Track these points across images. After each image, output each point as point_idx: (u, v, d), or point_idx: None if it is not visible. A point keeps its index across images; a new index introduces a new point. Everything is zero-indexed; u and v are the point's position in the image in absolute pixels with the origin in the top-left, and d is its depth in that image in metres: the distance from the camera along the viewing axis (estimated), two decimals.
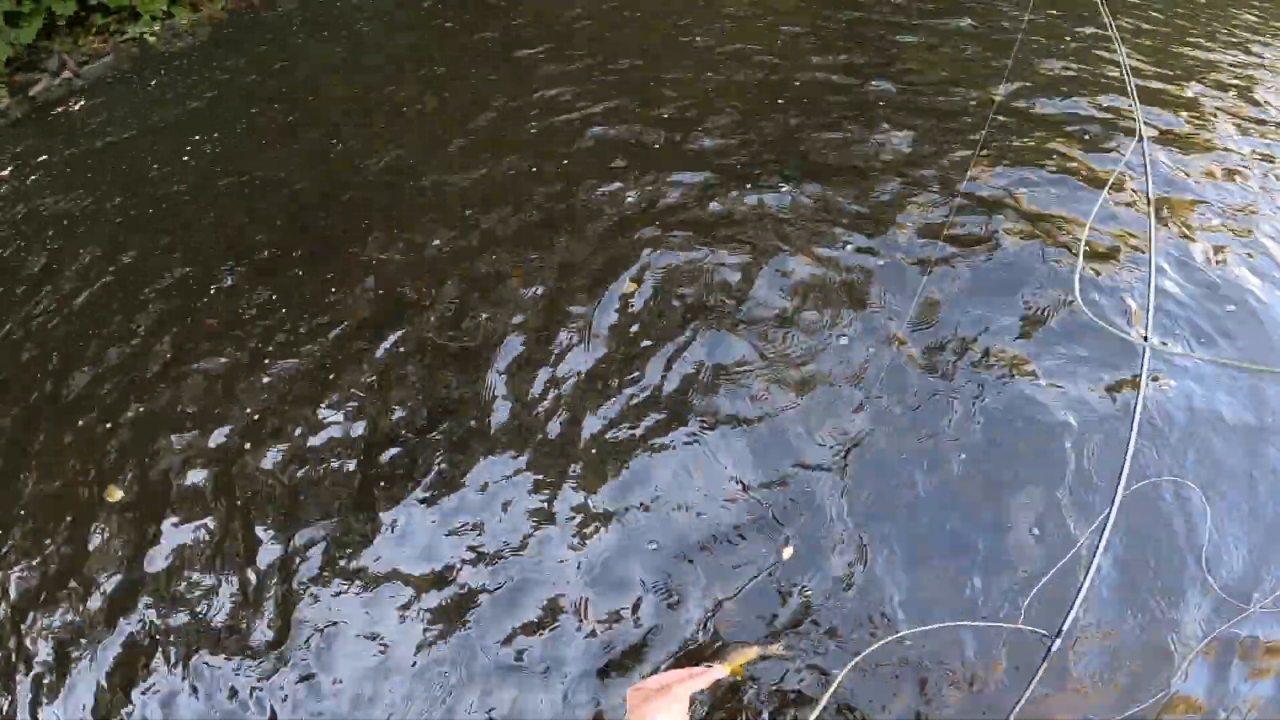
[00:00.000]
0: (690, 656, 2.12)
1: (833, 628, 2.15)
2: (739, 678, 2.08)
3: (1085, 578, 1.68)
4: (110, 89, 7.49)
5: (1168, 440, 2.43)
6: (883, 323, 2.89)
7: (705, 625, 2.19)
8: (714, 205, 3.68)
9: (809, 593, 2.21)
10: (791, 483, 2.41)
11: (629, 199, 3.82)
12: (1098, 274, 3.04)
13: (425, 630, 2.28)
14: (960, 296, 2.96)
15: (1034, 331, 2.81)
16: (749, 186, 3.76)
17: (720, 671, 1.85)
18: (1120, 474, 1.81)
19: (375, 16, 7.43)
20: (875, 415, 2.56)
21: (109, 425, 3.09)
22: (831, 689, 1.66)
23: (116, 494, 2.86)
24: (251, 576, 2.50)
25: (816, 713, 1.56)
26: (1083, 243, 3.06)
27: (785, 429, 2.56)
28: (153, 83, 7.26)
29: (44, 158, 6.33)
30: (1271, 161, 4.00)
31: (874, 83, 4.79)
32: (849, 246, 3.29)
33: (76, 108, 7.43)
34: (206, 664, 2.31)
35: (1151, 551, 2.19)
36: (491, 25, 6.63)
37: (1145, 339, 2.35)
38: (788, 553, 2.26)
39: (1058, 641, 1.58)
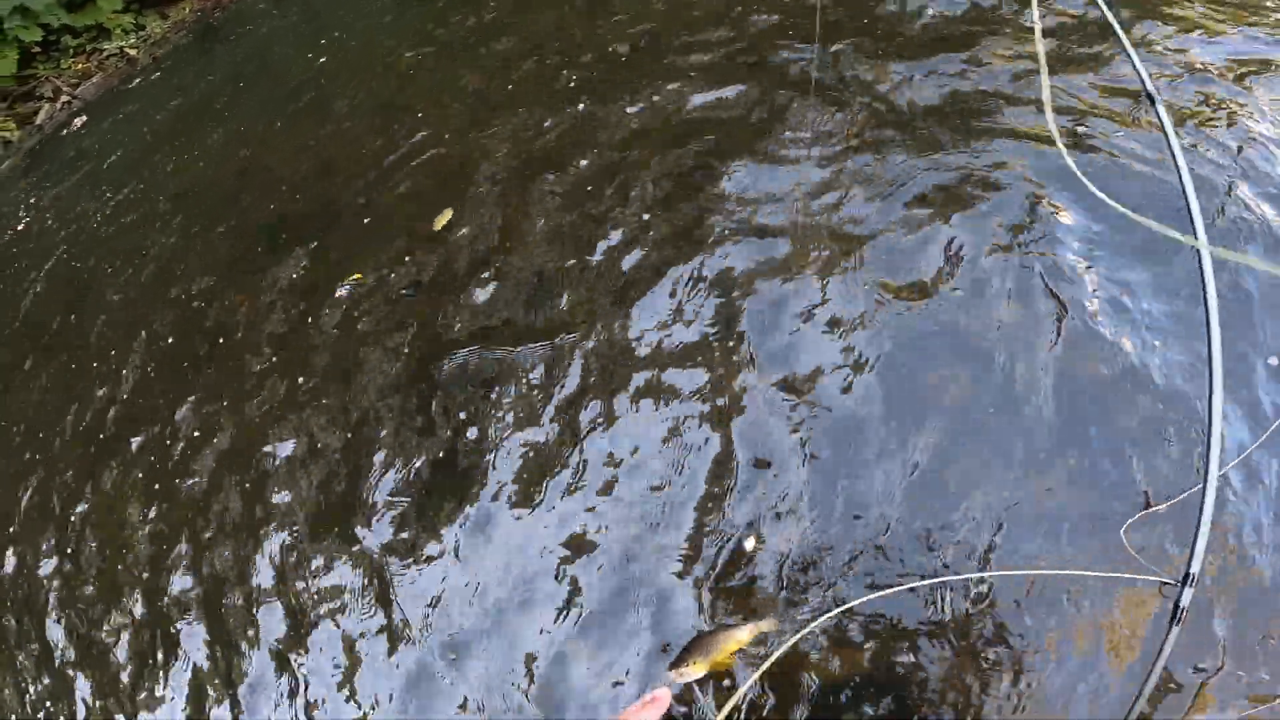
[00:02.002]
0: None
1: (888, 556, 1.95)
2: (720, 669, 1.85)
3: (1202, 514, 1.54)
4: (108, 103, 7.45)
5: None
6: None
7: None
8: None
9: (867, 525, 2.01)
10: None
11: None
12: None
13: None
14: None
15: None
16: None
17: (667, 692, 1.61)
18: (1209, 397, 1.63)
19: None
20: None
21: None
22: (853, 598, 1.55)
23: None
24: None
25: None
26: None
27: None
28: (145, 90, 7.20)
29: (67, 178, 6.49)
30: None
31: None
32: None
33: (80, 126, 7.42)
34: None
35: None
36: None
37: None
38: (750, 544, 2.06)
39: (1188, 592, 1.47)
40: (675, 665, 1.81)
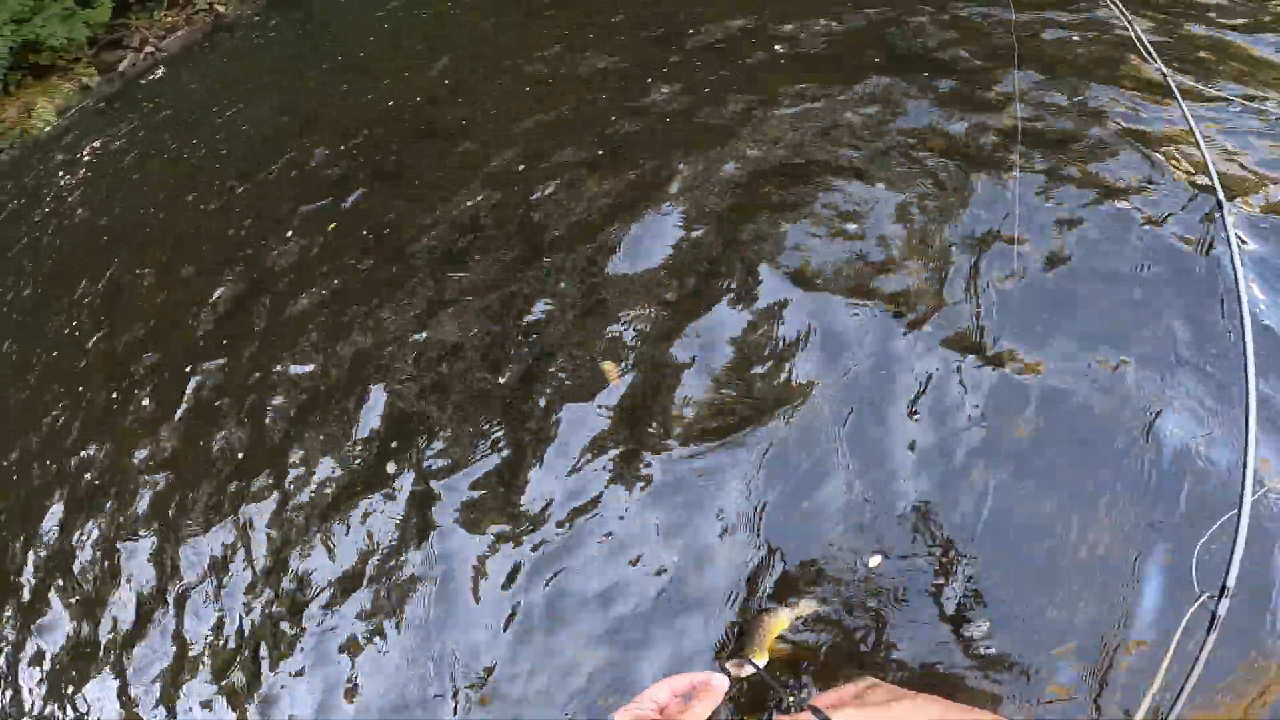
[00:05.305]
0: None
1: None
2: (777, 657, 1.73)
3: (1240, 519, 1.52)
4: (189, 58, 7.73)
5: None
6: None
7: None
8: None
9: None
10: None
11: None
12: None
13: None
14: None
15: None
16: None
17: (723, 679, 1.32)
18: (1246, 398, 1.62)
19: None
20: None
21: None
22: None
23: None
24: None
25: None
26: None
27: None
28: (225, 44, 7.46)
29: (136, 123, 6.74)
30: None
31: None
32: None
33: (159, 76, 7.70)
34: None
35: None
36: None
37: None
38: (875, 561, 1.90)
39: (1224, 602, 1.43)
40: (734, 655, 1.70)
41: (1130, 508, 1.75)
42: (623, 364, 2.53)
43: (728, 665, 1.64)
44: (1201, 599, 1.48)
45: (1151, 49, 2.74)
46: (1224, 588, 1.44)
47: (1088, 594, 1.65)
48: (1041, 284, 2.27)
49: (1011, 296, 2.25)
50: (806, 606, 1.83)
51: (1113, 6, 2.98)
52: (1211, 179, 2.19)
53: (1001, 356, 2.11)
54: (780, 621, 1.78)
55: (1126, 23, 2.90)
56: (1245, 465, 1.61)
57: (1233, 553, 1.49)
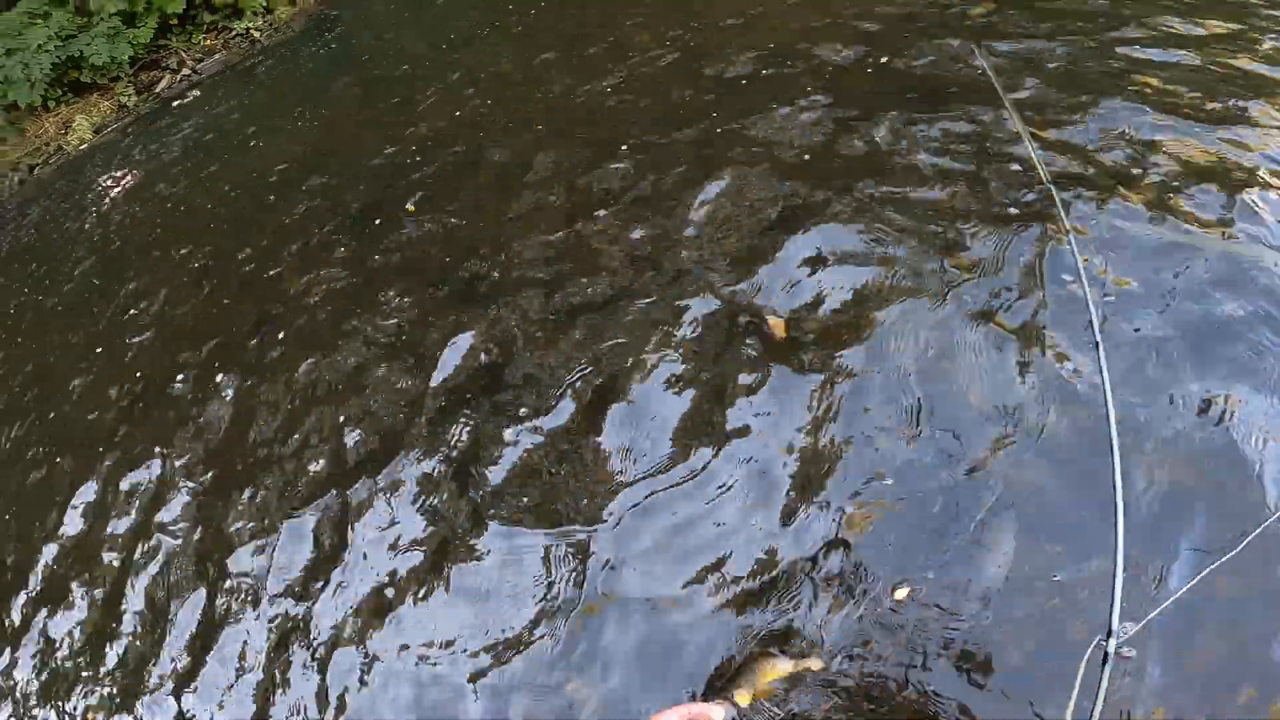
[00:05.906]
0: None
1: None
2: (764, 700, 1.79)
3: (1117, 564, 1.72)
4: (223, 81, 8.05)
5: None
6: None
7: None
8: None
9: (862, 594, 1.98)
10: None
11: None
12: None
13: None
14: None
15: None
16: None
17: (726, 709, 1.54)
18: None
19: None
20: None
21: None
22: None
23: None
24: None
25: None
26: None
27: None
28: (257, 71, 7.77)
29: (170, 143, 7.08)
30: None
31: None
32: None
33: (195, 98, 8.03)
34: None
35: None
36: None
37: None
38: (901, 593, 1.94)
39: (1111, 643, 1.62)
40: (719, 694, 1.78)
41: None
42: (789, 317, 2.69)
43: (714, 702, 1.72)
44: (1096, 641, 1.69)
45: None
46: (1110, 630, 1.64)
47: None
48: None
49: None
50: (813, 662, 1.84)
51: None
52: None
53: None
54: (777, 669, 1.82)
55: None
56: (1117, 525, 1.83)
57: (1113, 601, 1.70)
